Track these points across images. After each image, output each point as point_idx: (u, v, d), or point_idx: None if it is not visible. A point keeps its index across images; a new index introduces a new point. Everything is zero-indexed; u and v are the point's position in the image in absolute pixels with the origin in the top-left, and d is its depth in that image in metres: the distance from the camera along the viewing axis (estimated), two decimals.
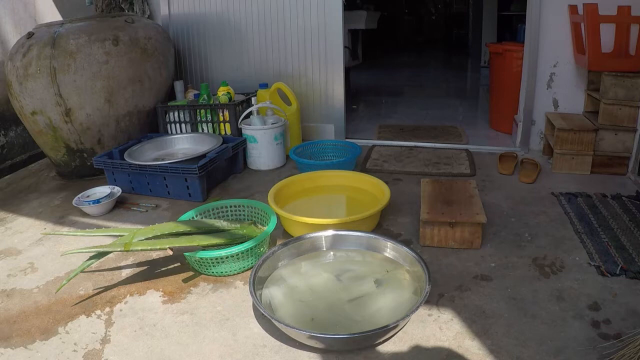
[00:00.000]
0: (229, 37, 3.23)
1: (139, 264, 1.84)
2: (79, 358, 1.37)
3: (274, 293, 1.55)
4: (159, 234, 1.74)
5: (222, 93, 2.88)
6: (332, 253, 1.76)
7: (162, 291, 1.66)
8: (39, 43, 2.53)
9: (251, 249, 1.71)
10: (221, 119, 2.80)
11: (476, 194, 1.98)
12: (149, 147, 2.67)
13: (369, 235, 1.77)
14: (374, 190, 2.20)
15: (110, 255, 1.89)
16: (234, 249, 1.67)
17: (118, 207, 2.35)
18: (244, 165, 2.79)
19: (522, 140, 2.92)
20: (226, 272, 1.72)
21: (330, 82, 3.13)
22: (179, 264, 1.83)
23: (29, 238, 2.08)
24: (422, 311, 1.49)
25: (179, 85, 3.07)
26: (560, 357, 1.29)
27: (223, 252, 1.66)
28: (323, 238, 1.77)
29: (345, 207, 2.27)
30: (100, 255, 1.70)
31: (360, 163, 2.79)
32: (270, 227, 1.81)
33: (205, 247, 1.72)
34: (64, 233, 2.09)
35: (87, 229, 2.11)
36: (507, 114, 3.19)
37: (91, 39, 2.56)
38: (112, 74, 2.60)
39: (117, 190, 2.38)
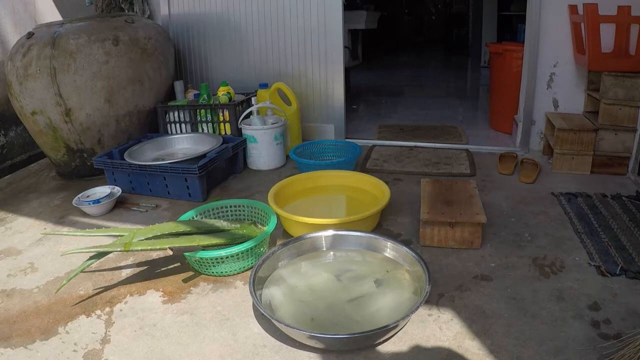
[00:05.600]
0: (229, 37, 3.23)
1: (139, 264, 1.84)
2: (79, 358, 1.37)
3: (274, 293, 1.55)
4: (159, 234, 1.74)
5: (222, 93, 2.88)
6: (332, 253, 1.76)
7: (162, 291, 1.66)
8: (39, 43, 2.53)
9: (251, 249, 1.71)
10: (221, 119, 2.81)
11: (476, 194, 1.98)
12: (149, 147, 2.67)
13: (369, 235, 1.77)
14: (374, 190, 2.20)
15: (110, 255, 1.89)
16: (234, 249, 1.67)
17: (118, 207, 2.35)
18: (244, 165, 2.79)
19: (522, 140, 2.92)
20: (226, 272, 1.72)
21: (330, 82, 3.13)
22: (179, 264, 1.83)
23: (29, 238, 2.08)
24: (422, 311, 1.49)
25: (179, 85, 3.07)
26: (560, 357, 1.29)
27: (223, 252, 1.66)
28: (323, 238, 1.77)
29: (345, 207, 2.27)
30: (100, 255, 1.70)
31: (360, 163, 2.79)
32: (270, 227, 1.81)
33: (205, 247, 1.72)
34: (64, 233, 2.09)
35: (87, 229, 2.11)
36: (507, 114, 3.19)
37: (91, 39, 2.56)
38: (112, 74, 2.60)
39: (117, 190, 2.38)
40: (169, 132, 2.90)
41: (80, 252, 1.70)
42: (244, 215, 2.05)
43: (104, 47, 2.58)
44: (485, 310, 1.49)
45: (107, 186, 2.42)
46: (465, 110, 4.13)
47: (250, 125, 2.72)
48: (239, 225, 1.86)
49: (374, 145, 3.13)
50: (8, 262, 1.90)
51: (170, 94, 3.08)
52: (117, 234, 1.87)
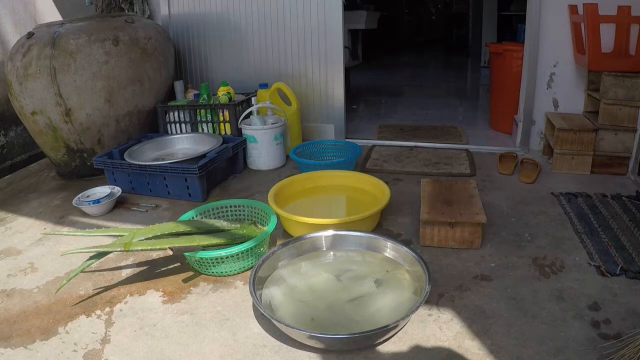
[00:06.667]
0: (229, 37, 3.23)
1: (139, 264, 1.84)
2: (79, 358, 1.37)
3: (274, 293, 1.55)
4: (159, 234, 1.74)
5: (222, 93, 2.88)
6: (332, 253, 1.76)
7: (162, 291, 1.66)
8: (39, 43, 2.53)
9: (251, 249, 1.71)
10: (221, 119, 2.81)
11: (476, 194, 1.98)
12: (149, 147, 2.67)
13: (369, 235, 1.77)
14: (374, 190, 2.19)
15: (110, 255, 1.89)
16: (234, 249, 1.67)
17: (118, 207, 2.35)
18: (244, 165, 2.79)
19: (522, 140, 2.92)
20: (226, 272, 1.72)
21: (330, 82, 3.13)
22: (179, 264, 1.83)
23: (29, 238, 2.08)
24: (422, 311, 1.49)
25: (179, 85, 3.07)
26: (560, 357, 1.29)
27: (223, 252, 1.66)
28: (323, 238, 1.77)
29: (345, 207, 2.27)
30: (100, 255, 1.70)
31: (360, 163, 2.79)
32: (270, 227, 1.81)
33: (205, 247, 1.72)
34: (64, 233, 2.09)
35: (87, 229, 2.11)
36: (507, 114, 3.19)
37: (91, 39, 2.56)
38: (112, 74, 2.60)
39: (117, 190, 2.38)
40: (169, 132, 2.90)
41: (80, 252, 1.70)
42: (244, 215, 2.05)
43: (104, 47, 2.58)
44: (485, 310, 1.49)
45: (107, 186, 2.42)
46: (465, 110, 4.13)
47: (250, 125, 2.72)
48: (239, 225, 1.86)
49: (374, 145, 3.13)
50: (8, 262, 1.90)
51: (170, 94, 3.08)
52: (117, 234, 1.87)
